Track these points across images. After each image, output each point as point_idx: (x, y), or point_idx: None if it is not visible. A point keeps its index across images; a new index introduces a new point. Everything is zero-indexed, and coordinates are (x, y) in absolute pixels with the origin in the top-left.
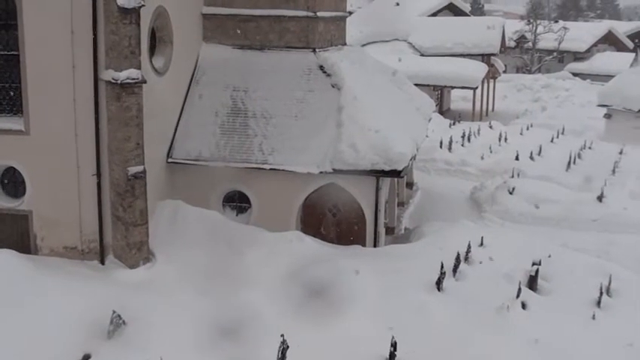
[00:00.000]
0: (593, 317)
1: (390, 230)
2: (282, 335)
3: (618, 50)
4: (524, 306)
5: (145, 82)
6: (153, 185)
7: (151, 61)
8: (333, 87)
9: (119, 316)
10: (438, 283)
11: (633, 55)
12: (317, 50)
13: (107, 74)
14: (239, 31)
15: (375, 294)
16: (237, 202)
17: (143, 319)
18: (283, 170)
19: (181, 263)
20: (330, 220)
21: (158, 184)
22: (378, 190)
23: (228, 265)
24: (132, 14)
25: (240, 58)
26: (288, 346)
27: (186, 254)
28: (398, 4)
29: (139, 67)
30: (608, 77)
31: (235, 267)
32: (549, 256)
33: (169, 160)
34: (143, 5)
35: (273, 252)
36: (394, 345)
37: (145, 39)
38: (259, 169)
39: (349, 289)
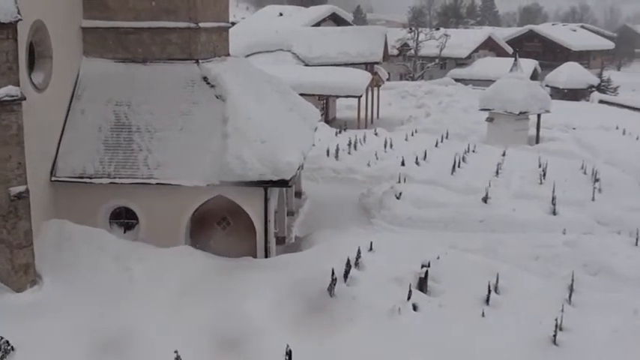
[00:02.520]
0: (483, 315)
1: (280, 240)
2: (176, 351)
3: (498, 55)
4: (415, 308)
5: (24, 99)
6: (37, 205)
7: (30, 77)
8: (217, 98)
9: (7, 341)
10: (330, 290)
11: (512, 59)
12: (200, 61)
13: None
14: (120, 45)
15: (268, 304)
16: (125, 218)
17: (32, 344)
18: (170, 184)
19: (69, 284)
20: (220, 233)
21: (42, 203)
22: (266, 200)
23: (117, 284)
24: (8, 29)
25: (122, 71)
26: None
27: (74, 274)
28: (281, 15)
29: (17, 84)
30: (489, 82)
31: (124, 285)
32: (438, 258)
33: (53, 178)
34: (20, 19)
35: (162, 268)
36: (289, 353)
37: (22, 54)
38: (145, 184)
39: (241, 299)
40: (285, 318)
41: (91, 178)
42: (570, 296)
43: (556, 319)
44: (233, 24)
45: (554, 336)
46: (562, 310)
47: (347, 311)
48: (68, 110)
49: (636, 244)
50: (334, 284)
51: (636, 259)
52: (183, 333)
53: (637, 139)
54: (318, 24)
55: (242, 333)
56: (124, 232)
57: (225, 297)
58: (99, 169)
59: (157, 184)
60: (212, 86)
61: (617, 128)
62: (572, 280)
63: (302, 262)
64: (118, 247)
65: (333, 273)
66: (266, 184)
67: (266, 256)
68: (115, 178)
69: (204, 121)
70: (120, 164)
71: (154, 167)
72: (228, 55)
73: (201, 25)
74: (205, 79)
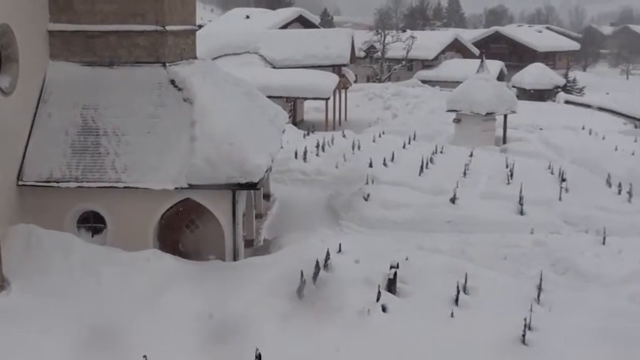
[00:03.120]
0: (452, 315)
1: (249, 243)
2: (145, 356)
3: (465, 57)
4: (384, 309)
5: None
6: (3, 209)
7: None
8: (185, 101)
9: None
10: (299, 292)
11: (479, 61)
12: (167, 64)
13: None
14: (87, 48)
15: (238, 307)
16: (93, 222)
17: (1, 350)
18: (137, 188)
19: (38, 289)
20: (189, 236)
21: (9, 208)
22: (235, 203)
23: (85, 288)
24: None
25: (89, 75)
26: None
27: (42, 280)
28: (248, 17)
29: None
30: (456, 83)
31: (93, 289)
32: (407, 259)
33: (20, 182)
34: None
35: (130, 272)
36: (259, 357)
37: None
38: (113, 187)
39: (211, 302)
40: (254, 321)
41: (58, 182)
42: (539, 296)
43: (525, 319)
44: (200, 27)
45: (524, 335)
46: (531, 310)
47: (316, 313)
48: (35, 114)
49: (603, 243)
50: (304, 286)
51: (603, 257)
52: (153, 336)
53: (603, 138)
54: (285, 26)
55: (212, 335)
56: (92, 237)
57: (193, 300)
58: (66, 173)
59: (125, 187)
60: (179, 89)
61: (583, 128)
62: (541, 280)
63: (271, 264)
64: (86, 251)
65: (302, 275)
66: (234, 187)
67: (234, 259)
68: (82, 182)
69: (171, 124)
70: (87, 168)
71: (122, 171)
72: (196, 57)
73: (168, 28)
74: (173, 82)
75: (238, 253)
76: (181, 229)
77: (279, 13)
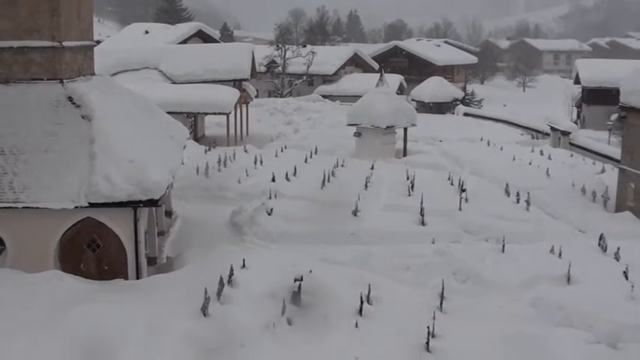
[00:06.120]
0: (357, 325)
1: (152, 260)
2: None
3: (365, 71)
4: (290, 322)
5: None
6: None
7: None
8: (83, 118)
9: None
10: (204, 309)
11: (378, 75)
12: (65, 81)
13: None
14: None
15: (142, 326)
16: None
17: None
18: (37, 208)
19: None
20: (90, 256)
21: None
22: (136, 221)
23: None
24: None
25: None
26: None
27: None
28: (147, 32)
29: None
30: (356, 97)
31: None
32: (310, 272)
33: None
34: None
35: (30, 294)
36: None
37: None
38: (11, 208)
39: (111, 323)
40: (156, 340)
41: None
42: (441, 304)
43: (428, 327)
44: (98, 42)
45: (427, 343)
46: (434, 318)
47: (222, 330)
48: None
49: (503, 251)
50: (208, 303)
51: (503, 265)
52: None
53: (501, 149)
54: (184, 41)
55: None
56: None
57: (94, 323)
58: None
59: (24, 207)
60: (77, 106)
61: (481, 139)
62: (443, 288)
63: (174, 282)
64: None
65: (206, 292)
66: (135, 205)
67: (137, 278)
68: None
69: (70, 141)
70: None
71: (20, 190)
72: (94, 74)
73: (65, 44)
74: (70, 99)
75: (141, 272)
76: (82, 249)
77: (178, 28)
